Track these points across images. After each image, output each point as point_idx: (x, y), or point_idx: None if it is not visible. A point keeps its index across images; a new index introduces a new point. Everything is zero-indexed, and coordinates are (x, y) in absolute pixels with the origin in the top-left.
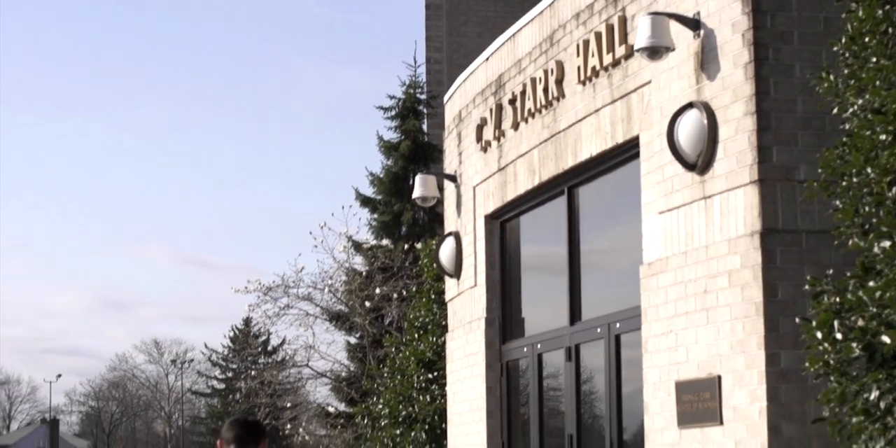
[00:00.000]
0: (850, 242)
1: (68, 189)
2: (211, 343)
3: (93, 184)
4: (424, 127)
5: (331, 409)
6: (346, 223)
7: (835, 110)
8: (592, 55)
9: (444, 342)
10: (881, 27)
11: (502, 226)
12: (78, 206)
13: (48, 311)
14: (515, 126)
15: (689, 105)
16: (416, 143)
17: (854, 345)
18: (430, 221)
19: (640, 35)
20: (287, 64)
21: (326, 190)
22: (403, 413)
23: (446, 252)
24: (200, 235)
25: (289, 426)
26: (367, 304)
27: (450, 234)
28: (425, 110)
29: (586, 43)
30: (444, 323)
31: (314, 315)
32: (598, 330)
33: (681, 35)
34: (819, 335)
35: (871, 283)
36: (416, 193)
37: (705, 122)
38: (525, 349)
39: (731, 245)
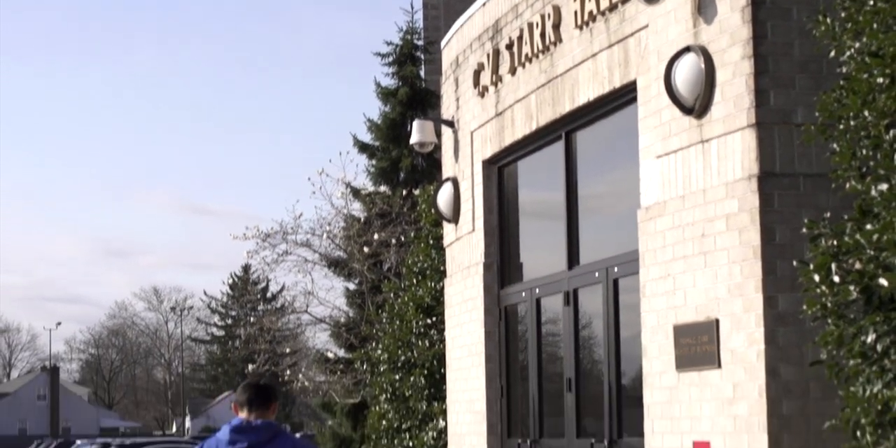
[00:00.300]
0: (848, 185)
1: (68, 136)
2: (210, 290)
3: (93, 131)
4: (422, 73)
5: (330, 355)
6: (343, 169)
7: (832, 53)
8: None
9: (443, 287)
10: None
11: (500, 171)
12: (78, 153)
13: (48, 258)
14: (513, 71)
15: (687, 49)
16: (413, 90)
17: (851, 287)
18: (429, 167)
19: None
20: (286, 11)
21: (325, 137)
22: (402, 358)
23: (444, 197)
24: (200, 183)
25: (288, 372)
26: (366, 249)
27: (448, 179)
28: (422, 56)
29: None
30: (442, 268)
31: (313, 261)
32: (597, 274)
33: None
34: (817, 278)
35: (869, 226)
36: (414, 139)
37: (702, 65)
38: (523, 294)
39: (729, 189)
